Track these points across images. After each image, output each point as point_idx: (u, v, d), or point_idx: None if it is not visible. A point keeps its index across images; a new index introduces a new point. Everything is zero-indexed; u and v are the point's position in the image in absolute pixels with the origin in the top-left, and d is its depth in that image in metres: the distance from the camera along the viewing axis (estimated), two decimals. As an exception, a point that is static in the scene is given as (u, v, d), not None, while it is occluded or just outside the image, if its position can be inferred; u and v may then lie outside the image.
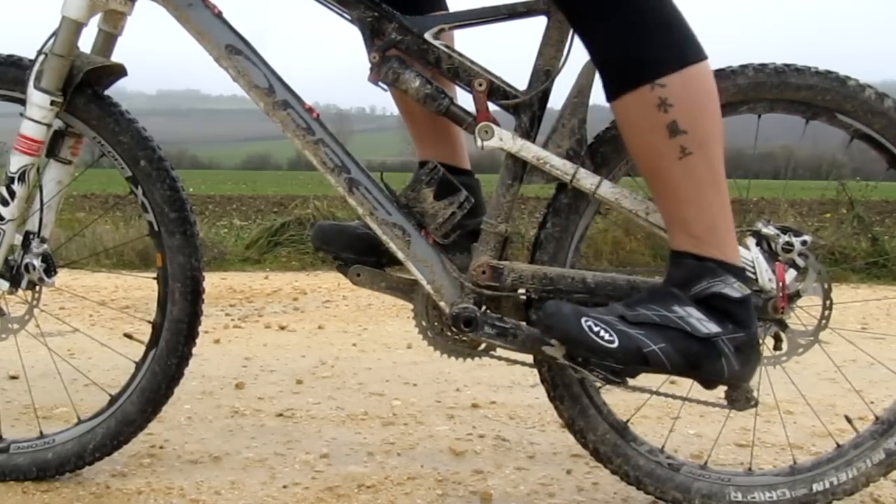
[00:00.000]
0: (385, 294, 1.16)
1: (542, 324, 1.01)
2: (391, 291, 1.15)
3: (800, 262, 1.08)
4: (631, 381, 1.17)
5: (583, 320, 0.97)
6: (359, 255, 1.17)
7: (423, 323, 1.13)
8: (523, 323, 1.10)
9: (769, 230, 1.09)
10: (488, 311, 1.10)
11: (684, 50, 0.95)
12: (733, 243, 1.00)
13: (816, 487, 1.15)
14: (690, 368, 0.99)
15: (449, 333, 1.12)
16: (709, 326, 0.98)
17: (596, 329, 0.96)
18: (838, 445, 1.18)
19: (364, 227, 1.18)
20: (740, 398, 1.13)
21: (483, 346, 1.14)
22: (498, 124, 1.07)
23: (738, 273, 0.99)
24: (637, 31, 0.94)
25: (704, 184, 0.97)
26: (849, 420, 1.27)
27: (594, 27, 0.97)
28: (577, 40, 1.03)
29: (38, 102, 1.15)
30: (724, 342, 0.98)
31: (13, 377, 1.87)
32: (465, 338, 1.12)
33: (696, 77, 0.95)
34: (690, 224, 0.98)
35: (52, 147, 1.21)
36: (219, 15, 1.13)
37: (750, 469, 1.20)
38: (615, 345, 0.96)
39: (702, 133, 0.95)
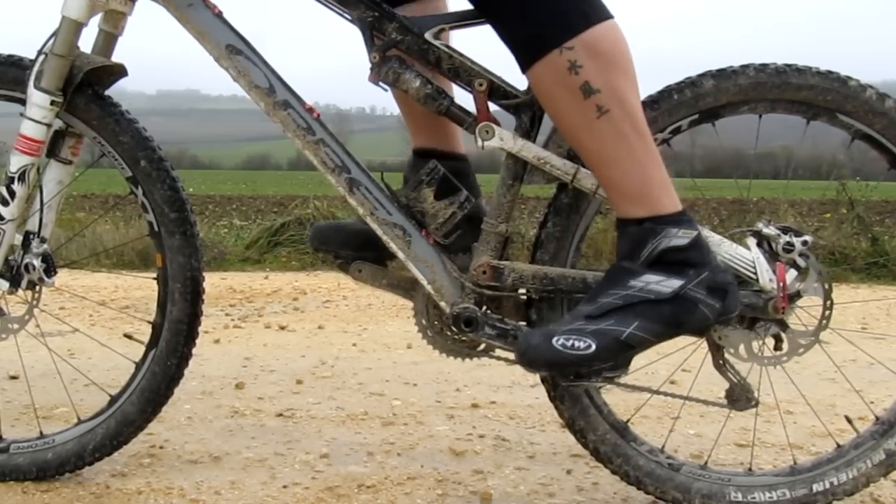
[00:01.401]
0: (386, 291, 1.16)
1: (521, 363, 1.01)
2: (392, 289, 1.15)
3: (800, 262, 1.08)
4: (631, 380, 1.17)
5: (554, 341, 0.97)
6: (357, 251, 1.17)
7: (423, 322, 1.13)
8: (524, 325, 1.10)
9: (770, 230, 1.09)
10: (489, 311, 1.10)
11: (587, 11, 0.96)
12: (668, 192, 0.99)
13: (816, 488, 1.15)
14: (675, 329, 0.99)
15: (448, 333, 1.12)
16: (670, 283, 0.97)
17: (569, 343, 0.96)
18: (838, 446, 1.18)
19: (360, 222, 1.18)
20: (740, 398, 1.13)
21: (482, 346, 1.13)
22: (498, 124, 1.07)
23: (678, 219, 0.99)
24: (540, 1, 0.95)
25: (627, 138, 0.97)
26: (849, 420, 1.27)
27: (499, 6, 0.99)
28: None
29: (39, 102, 1.15)
30: (692, 290, 0.98)
31: (13, 377, 1.87)
32: (464, 338, 1.12)
33: (603, 36, 0.96)
34: (623, 185, 0.98)
35: (53, 147, 1.21)
36: (219, 15, 1.13)
37: (750, 469, 1.20)
38: (593, 348, 0.96)
39: (615, 89, 0.96)
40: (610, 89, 0.96)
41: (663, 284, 0.97)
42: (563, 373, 1.01)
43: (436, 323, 1.13)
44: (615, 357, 0.98)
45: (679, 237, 0.97)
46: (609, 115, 0.96)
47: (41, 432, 1.29)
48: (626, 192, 0.99)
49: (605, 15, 0.97)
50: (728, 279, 1.01)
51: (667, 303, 0.97)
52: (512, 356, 1.13)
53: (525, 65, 0.99)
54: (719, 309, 1.00)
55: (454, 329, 1.09)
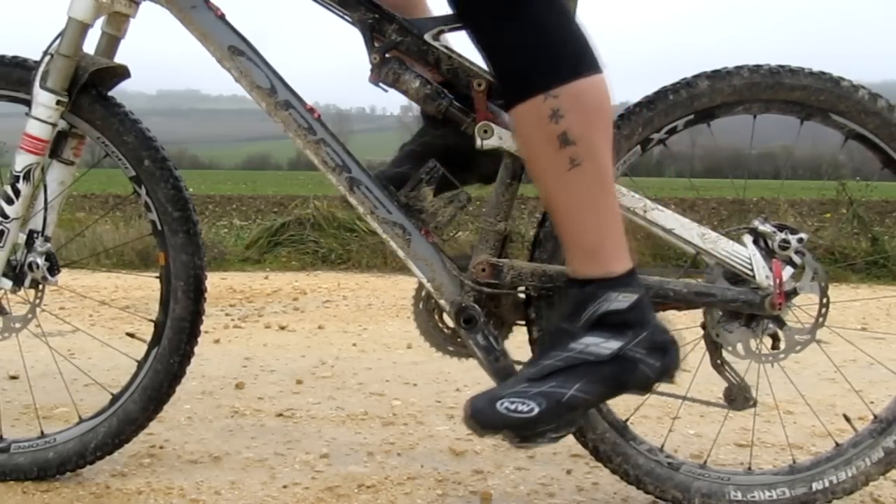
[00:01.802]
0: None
1: (469, 426, 1.01)
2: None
3: (796, 259, 1.09)
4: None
5: (498, 405, 0.98)
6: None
7: (430, 333, 1.13)
8: (509, 356, 1.10)
9: (766, 227, 1.09)
10: (491, 322, 1.10)
11: (578, 63, 0.97)
12: (621, 253, 1.01)
13: (816, 486, 1.15)
14: (616, 389, 1.01)
15: (457, 337, 1.12)
16: (609, 345, 0.99)
17: (513, 406, 0.97)
18: (837, 444, 1.19)
19: (394, 167, 1.17)
20: (738, 398, 1.14)
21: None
22: (498, 123, 1.08)
23: (622, 282, 1.00)
24: (534, 44, 0.96)
25: (593, 194, 0.98)
26: (847, 419, 1.27)
27: (494, 39, 0.99)
28: None
29: (44, 102, 1.16)
30: (631, 350, 0.99)
31: (13, 377, 1.87)
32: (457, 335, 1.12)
33: (589, 89, 0.97)
34: (580, 239, 1.00)
35: (55, 148, 1.21)
36: (221, 17, 1.14)
37: (749, 468, 1.21)
38: (536, 411, 0.97)
39: (592, 145, 0.97)
40: (587, 144, 0.97)
41: (603, 346, 0.99)
42: (508, 436, 1.01)
43: (443, 331, 1.13)
44: (557, 419, 0.98)
45: (619, 301, 0.99)
46: (581, 169, 0.97)
47: (42, 432, 1.29)
48: (581, 247, 1.00)
49: (594, 69, 0.98)
50: (667, 338, 1.03)
51: (607, 364, 0.99)
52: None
53: (509, 104, 1.00)
54: (659, 367, 1.01)
55: (456, 324, 1.10)
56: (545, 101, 0.96)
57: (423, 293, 1.13)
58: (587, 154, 0.97)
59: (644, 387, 1.03)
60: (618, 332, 0.99)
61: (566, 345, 1.00)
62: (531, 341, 1.16)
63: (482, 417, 0.99)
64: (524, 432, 0.99)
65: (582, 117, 0.96)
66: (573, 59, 0.97)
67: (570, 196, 0.98)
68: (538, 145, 0.98)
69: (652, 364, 1.00)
